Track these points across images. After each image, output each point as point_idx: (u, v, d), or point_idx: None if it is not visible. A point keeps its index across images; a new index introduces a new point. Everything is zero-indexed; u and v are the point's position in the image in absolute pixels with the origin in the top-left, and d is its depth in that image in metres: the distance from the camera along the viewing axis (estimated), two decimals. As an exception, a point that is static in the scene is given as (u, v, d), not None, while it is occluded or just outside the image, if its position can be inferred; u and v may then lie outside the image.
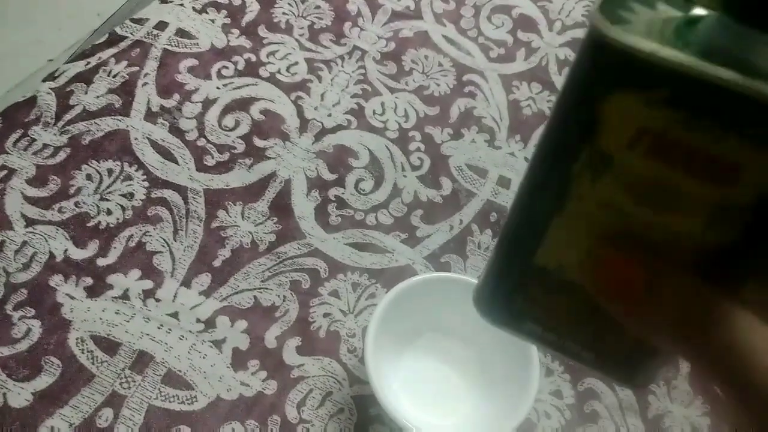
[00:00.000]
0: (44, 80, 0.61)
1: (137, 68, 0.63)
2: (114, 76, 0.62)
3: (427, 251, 0.57)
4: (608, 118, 0.16)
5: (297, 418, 0.48)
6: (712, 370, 0.17)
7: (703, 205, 0.16)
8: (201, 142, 0.59)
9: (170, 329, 0.50)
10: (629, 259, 0.18)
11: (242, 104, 0.62)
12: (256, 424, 0.47)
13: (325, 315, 0.52)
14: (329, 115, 0.63)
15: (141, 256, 0.52)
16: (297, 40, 0.68)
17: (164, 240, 0.53)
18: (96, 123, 0.59)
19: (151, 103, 0.61)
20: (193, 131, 0.60)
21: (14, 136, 0.57)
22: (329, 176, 0.59)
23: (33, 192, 0.54)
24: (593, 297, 0.19)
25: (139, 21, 0.66)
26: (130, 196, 0.55)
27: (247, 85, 0.64)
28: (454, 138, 0.64)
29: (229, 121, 0.61)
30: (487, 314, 0.24)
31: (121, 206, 0.54)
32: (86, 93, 0.60)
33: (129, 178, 0.56)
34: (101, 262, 0.52)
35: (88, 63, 0.62)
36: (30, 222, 0.53)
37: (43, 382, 0.46)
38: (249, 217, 0.56)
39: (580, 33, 0.75)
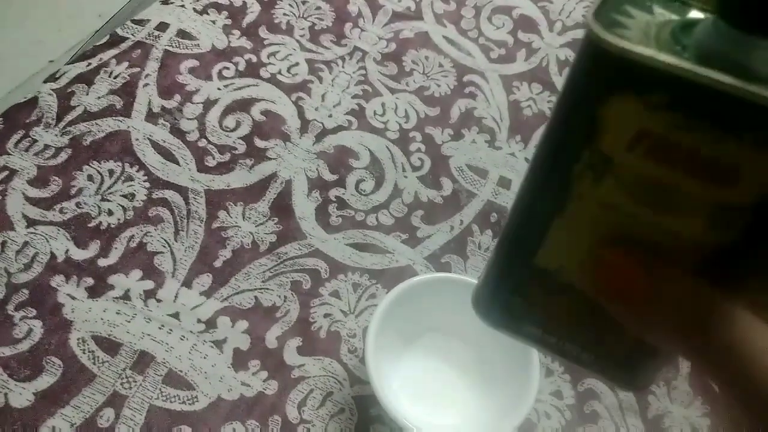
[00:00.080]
0: (45, 81, 0.61)
1: (138, 69, 0.63)
2: (115, 77, 0.62)
3: (428, 252, 0.57)
4: (607, 120, 0.16)
5: (298, 418, 0.48)
6: (712, 369, 0.17)
7: (703, 206, 0.16)
8: (202, 143, 0.59)
9: (171, 329, 0.50)
10: (630, 259, 0.18)
11: (243, 105, 0.62)
12: (257, 424, 0.47)
13: (326, 315, 0.52)
14: (330, 116, 0.63)
15: (142, 256, 0.53)
16: (298, 40, 0.68)
17: (165, 240, 0.53)
18: (97, 124, 0.59)
19: (152, 103, 0.61)
20: (194, 132, 0.60)
21: (15, 136, 0.57)
22: (330, 177, 0.59)
23: (34, 193, 0.54)
24: (594, 298, 0.19)
25: (140, 22, 0.66)
26: (131, 196, 0.55)
27: (248, 86, 0.64)
28: (455, 138, 0.64)
29: (230, 121, 0.61)
30: (486, 316, 0.24)
31: (122, 207, 0.55)
32: (87, 94, 0.60)
33: (130, 178, 0.56)
34: (102, 262, 0.52)
35: (89, 64, 0.62)
36: (31, 222, 0.53)
37: (44, 382, 0.46)
38: (250, 218, 0.56)
39: (580, 33, 0.75)
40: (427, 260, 0.56)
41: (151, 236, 0.53)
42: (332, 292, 0.54)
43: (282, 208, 0.57)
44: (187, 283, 0.52)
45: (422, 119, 0.65)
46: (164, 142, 0.59)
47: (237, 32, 0.67)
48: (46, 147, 0.57)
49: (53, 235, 0.52)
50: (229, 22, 0.68)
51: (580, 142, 0.17)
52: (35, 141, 0.57)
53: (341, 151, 0.61)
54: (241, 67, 0.65)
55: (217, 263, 0.53)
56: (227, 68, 0.65)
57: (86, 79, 0.61)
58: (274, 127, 0.61)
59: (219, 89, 0.63)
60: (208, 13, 0.68)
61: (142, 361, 0.48)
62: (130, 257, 0.52)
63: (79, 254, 0.52)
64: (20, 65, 0.64)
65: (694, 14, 0.16)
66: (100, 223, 0.54)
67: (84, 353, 0.48)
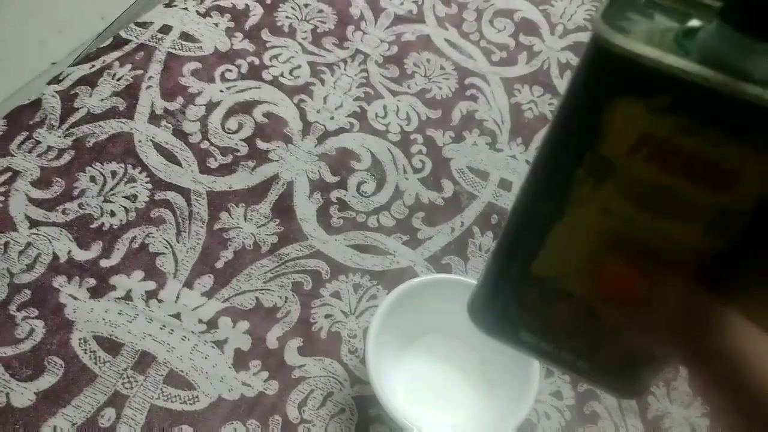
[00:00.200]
0: (49, 83, 0.61)
1: (141, 71, 0.63)
2: (118, 80, 0.62)
3: (429, 253, 0.57)
4: (610, 124, 0.16)
5: (298, 418, 0.48)
6: (708, 374, 0.17)
7: (703, 211, 0.17)
8: (204, 145, 0.59)
9: (172, 330, 0.50)
10: (628, 264, 0.18)
11: (245, 107, 0.63)
12: (258, 424, 0.47)
13: (327, 316, 0.53)
14: (332, 118, 0.64)
15: (144, 257, 0.53)
16: (300, 43, 0.69)
17: (167, 241, 0.54)
18: (100, 125, 0.59)
19: (155, 106, 0.61)
20: (197, 134, 0.60)
21: (19, 138, 0.57)
22: (331, 178, 0.60)
23: (37, 194, 0.55)
24: (591, 304, 0.19)
25: (144, 25, 0.67)
26: (133, 197, 0.55)
27: (250, 88, 0.64)
28: (456, 141, 0.65)
29: (232, 123, 0.61)
30: (482, 323, 0.24)
31: (125, 208, 0.55)
32: (90, 96, 0.61)
33: (132, 180, 0.56)
34: (104, 263, 0.52)
35: (93, 66, 0.63)
36: (34, 223, 0.53)
37: (46, 382, 0.47)
38: (251, 219, 0.56)
39: (581, 36, 0.76)
40: (428, 262, 0.57)
41: (153, 237, 0.54)
42: (333, 293, 0.54)
43: (283, 209, 0.57)
44: (189, 284, 0.52)
45: (423, 121, 0.65)
46: (167, 143, 0.59)
47: (239, 35, 0.68)
48: (50, 148, 0.57)
49: (56, 235, 0.53)
50: (231, 24, 0.69)
51: (581, 146, 0.17)
52: (38, 142, 0.57)
53: (343, 153, 0.61)
54: (244, 69, 0.65)
55: (219, 264, 0.53)
56: (230, 71, 0.65)
57: (89, 81, 0.62)
58: (276, 129, 0.62)
59: (221, 91, 0.63)
60: (210, 16, 0.69)
61: (144, 361, 0.48)
62: (132, 258, 0.53)
63: (81, 255, 0.52)
64: (23, 67, 0.65)
65: (695, 22, 0.16)
66: (103, 224, 0.54)
67: (85, 353, 0.48)
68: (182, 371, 0.48)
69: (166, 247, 0.53)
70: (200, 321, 0.51)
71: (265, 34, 0.69)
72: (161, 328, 0.50)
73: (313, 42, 0.69)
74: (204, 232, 0.55)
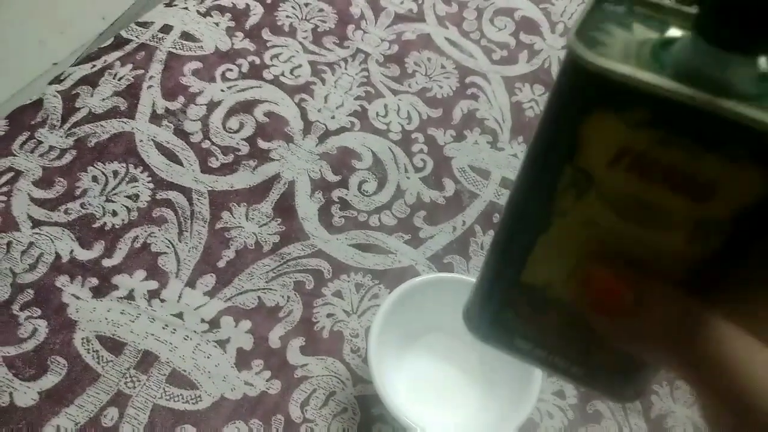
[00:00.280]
0: (50, 83, 0.61)
1: (142, 71, 0.63)
2: (119, 79, 0.62)
3: (430, 252, 0.57)
4: (588, 138, 0.16)
5: (300, 417, 0.48)
6: (696, 378, 0.17)
7: (684, 220, 0.17)
8: (205, 144, 0.60)
9: (175, 329, 0.50)
10: (613, 273, 0.18)
11: (246, 106, 0.63)
12: (260, 423, 0.47)
13: (329, 315, 0.53)
14: (333, 117, 0.64)
15: (146, 256, 0.53)
16: (300, 42, 0.69)
17: (169, 241, 0.54)
18: (102, 125, 0.59)
19: (156, 105, 0.61)
20: (198, 133, 0.60)
21: (21, 138, 0.57)
22: (333, 178, 0.60)
23: (39, 194, 0.55)
24: (580, 312, 0.20)
25: (144, 24, 0.67)
26: (135, 197, 0.56)
27: (251, 88, 0.64)
28: (457, 140, 0.65)
29: (233, 123, 0.61)
30: (477, 330, 0.24)
31: (127, 207, 0.55)
32: (92, 96, 0.61)
33: (134, 179, 0.56)
34: (107, 262, 0.52)
35: (94, 66, 0.63)
36: (36, 223, 0.53)
37: (48, 381, 0.47)
38: (253, 219, 0.56)
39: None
40: (430, 261, 0.57)
41: (155, 237, 0.54)
42: (335, 293, 0.54)
43: (285, 208, 0.57)
44: (191, 284, 0.52)
45: (424, 120, 0.65)
46: (168, 143, 0.59)
47: (240, 34, 0.68)
48: (51, 148, 0.57)
49: (58, 235, 0.53)
50: (232, 24, 0.69)
51: (562, 160, 0.17)
52: (40, 142, 0.57)
53: (344, 152, 0.62)
54: (245, 69, 0.65)
55: (221, 263, 0.53)
56: (230, 70, 0.65)
57: (91, 81, 0.62)
58: (277, 129, 0.62)
59: (222, 91, 0.63)
60: (211, 16, 0.69)
61: (146, 360, 0.48)
62: (135, 258, 0.53)
63: (83, 255, 0.52)
64: (25, 67, 0.65)
65: (674, 32, 0.16)
66: (105, 223, 0.54)
67: (88, 353, 0.48)
68: (185, 371, 0.49)
69: (168, 247, 0.53)
70: (202, 320, 0.51)
71: (265, 34, 0.69)
72: (164, 328, 0.50)
73: (314, 41, 0.69)
74: (206, 231, 0.55)
